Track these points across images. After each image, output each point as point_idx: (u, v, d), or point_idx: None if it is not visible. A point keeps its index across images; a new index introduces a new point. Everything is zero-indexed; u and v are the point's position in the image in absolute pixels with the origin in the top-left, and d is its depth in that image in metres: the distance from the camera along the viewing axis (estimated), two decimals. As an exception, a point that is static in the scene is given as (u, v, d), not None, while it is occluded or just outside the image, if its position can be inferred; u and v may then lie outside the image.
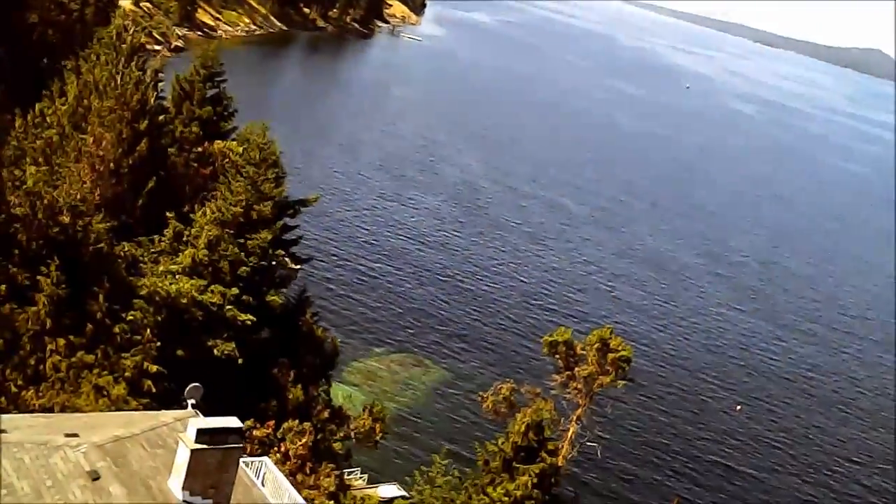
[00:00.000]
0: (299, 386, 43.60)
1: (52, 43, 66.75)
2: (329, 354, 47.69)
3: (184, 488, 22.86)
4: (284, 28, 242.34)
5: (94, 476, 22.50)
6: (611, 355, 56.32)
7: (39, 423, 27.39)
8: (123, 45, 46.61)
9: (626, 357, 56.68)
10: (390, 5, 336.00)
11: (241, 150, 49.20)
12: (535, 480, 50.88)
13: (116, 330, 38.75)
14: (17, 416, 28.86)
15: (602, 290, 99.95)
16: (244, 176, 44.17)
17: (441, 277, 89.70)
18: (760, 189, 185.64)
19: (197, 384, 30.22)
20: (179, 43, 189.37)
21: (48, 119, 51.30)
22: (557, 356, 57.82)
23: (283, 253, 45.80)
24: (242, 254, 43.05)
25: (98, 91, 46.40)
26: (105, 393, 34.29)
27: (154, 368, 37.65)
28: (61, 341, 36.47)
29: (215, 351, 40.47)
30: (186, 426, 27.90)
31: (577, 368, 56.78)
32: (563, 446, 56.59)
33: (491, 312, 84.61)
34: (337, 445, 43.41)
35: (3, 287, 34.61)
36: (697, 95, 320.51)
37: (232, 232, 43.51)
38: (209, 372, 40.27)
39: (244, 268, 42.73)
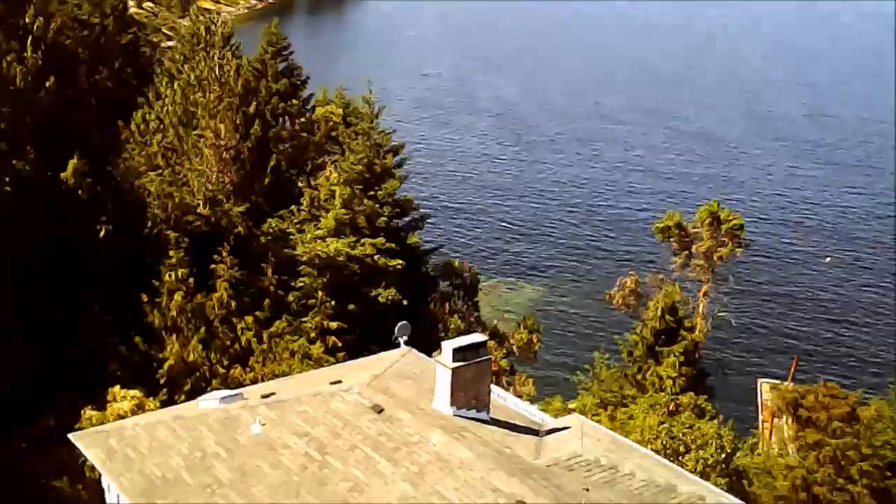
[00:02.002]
0: (456, 316, 46.18)
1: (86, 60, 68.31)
2: (471, 283, 50.15)
3: (451, 404, 25.32)
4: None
5: (379, 409, 25.04)
6: (724, 226, 58.20)
7: (290, 384, 30.11)
8: (215, 38, 48.63)
9: (739, 224, 58.57)
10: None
11: (341, 111, 51.26)
12: (681, 359, 53.24)
13: (290, 298, 41.49)
14: (258, 385, 31.65)
15: (676, 175, 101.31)
16: (359, 133, 46.36)
17: (516, 197, 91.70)
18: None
19: (405, 322, 32.70)
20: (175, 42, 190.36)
21: (151, 125, 53.62)
22: (672, 239, 59.80)
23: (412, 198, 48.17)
24: (376, 206, 45.38)
25: (201, 86, 48.56)
26: (307, 354, 36.94)
27: (334, 325, 40.35)
28: (249, 319, 39.22)
29: (379, 298, 43.04)
30: (404, 355, 30.64)
31: (693, 246, 58.80)
32: (696, 323, 58.74)
33: (582, 221, 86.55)
34: (503, 363, 45.96)
35: (192, 280, 37.17)
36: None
37: (360, 188, 45.79)
38: (377, 318, 43.01)
39: (382, 218, 45.13)
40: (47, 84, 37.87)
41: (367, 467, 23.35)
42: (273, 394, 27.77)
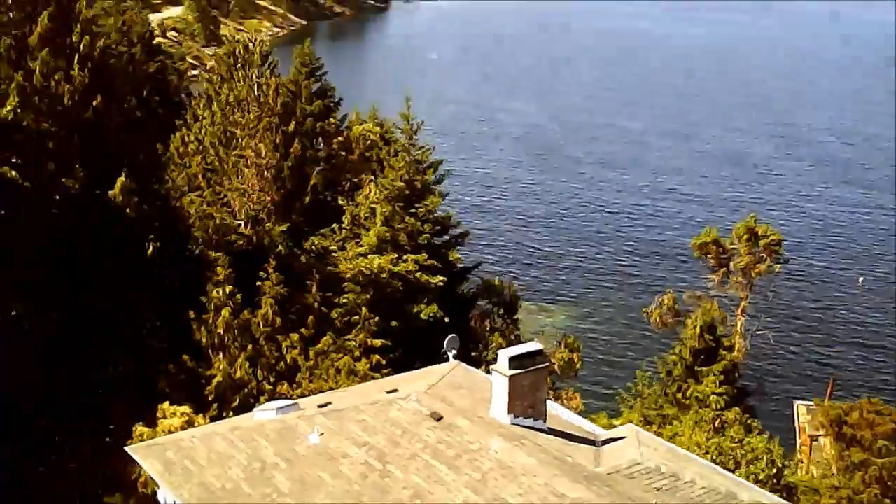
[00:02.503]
0: (496, 333, 46.14)
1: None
2: (511, 301, 50.13)
3: (508, 413, 25.25)
4: (304, 22, 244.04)
5: (438, 417, 25.02)
6: (762, 241, 58.02)
7: (344, 395, 30.11)
8: (253, 57, 49.08)
9: (777, 240, 58.41)
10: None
11: (378, 129, 51.54)
12: (721, 378, 52.81)
13: (334, 315, 41.58)
14: (312, 397, 31.69)
15: (704, 197, 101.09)
16: (398, 150, 46.64)
17: (545, 220, 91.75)
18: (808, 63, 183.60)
19: (454, 335, 32.69)
20: (213, 63, 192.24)
21: (190, 147, 54.05)
22: (709, 256, 59.67)
23: (452, 214, 48.29)
24: (417, 223, 45.52)
25: (240, 106, 48.94)
26: (353, 370, 36.96)
27: (378, 342, 40.36)
28: (294, 336, 39.31)
29: (421, 315, 43.09)
30: (454, 368, 30.61)
31: (731, 262, 58.63)
32: (735, 341, 58.42)
33: (613, 244, 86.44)
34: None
35: (239, 296, 37.33)
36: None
37: (401, 205, 45.96)
38: (419, 335, 43.06)
39: (423, 235, 45.29)
40: (94, 103, 38.27)
41: (429, 475, 23.30)
42: (329, 403, 27.82)
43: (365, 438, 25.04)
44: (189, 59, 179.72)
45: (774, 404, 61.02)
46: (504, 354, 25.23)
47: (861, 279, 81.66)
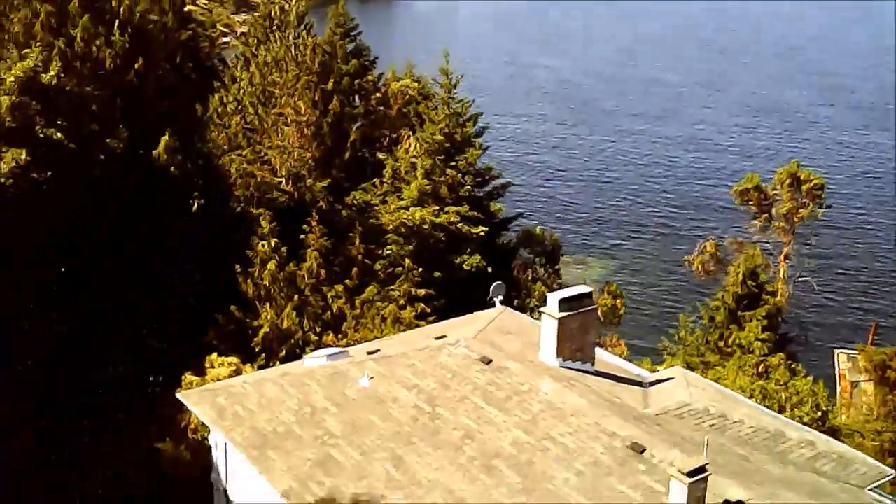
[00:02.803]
0: (539, 283, 46.30)
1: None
2: (552, 250, 50.21)
3: (557, 356, 25.47)
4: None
5: (487, 360, 25.29)
6: (804, 186, 57.44)
7: (392, 342, 30.48)
8: (290, 17, 49.22)
9: (819, 185, 57.74)
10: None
11: (416, 85, 51.59)
12: (764, 323, 52.59)
13: (377, 267, 41.93)
14: (362, 344, 32.14)
15: (742, 147, 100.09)
16: (437, 104, 46.67)
17: (578, 173, 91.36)
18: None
19: (500, 282, 32.94)
20: (244, 29, 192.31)
21: (229, 108, 54.37)
22: (750, 202, 59.15)
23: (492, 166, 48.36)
24: (458, 175, 45.63)
25: (278, 66, 49.15)
26: (398, 318, 37.32)
27: (422, 292, 40.69)
28: (339, 287, 39.71)
29: (464, 265, 43.32)
30: (501, 313, 30.85)
31: (773, 208, 58.13)
32: (778, 287, 58.10)
33: (648, 195, 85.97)
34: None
35: (284, 249, 37.74)
36: None
37: (441, 158, 46.04)
38: (462, 285, 43.30)
39: (465, 187, 45.40)
40: (136, 66, 38.64)
41: (479, 416, 23.62)
42: (378, 350, 28.19)
43: (415, 382, 25.41)
44: (220, 27, 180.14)
45: (815, 352, 60.73)
46: (553, 297, 25.43)
47: None
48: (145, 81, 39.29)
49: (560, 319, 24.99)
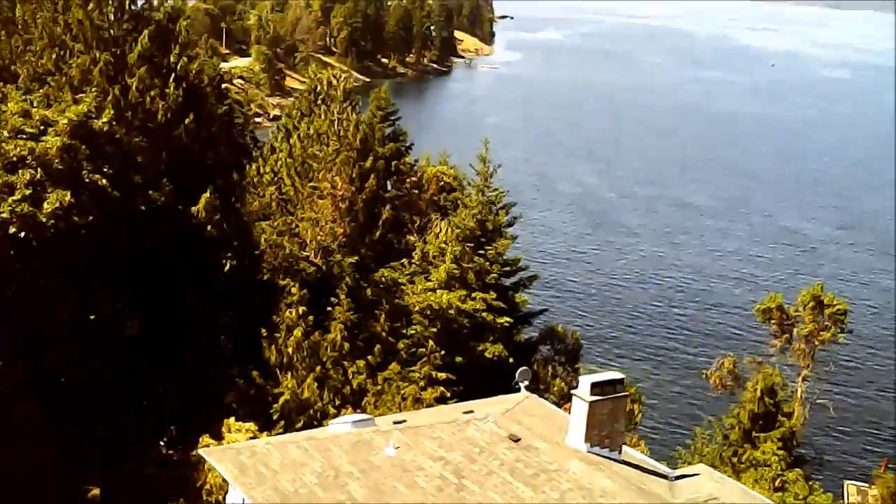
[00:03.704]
0: (558, 379, 46.05)
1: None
2: (573, 348, 50.05)
3: (585, 440, 25.19)
4: (368, 80, 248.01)
5: (515, 438, 25.04)
6: (827, 310, 57.35)
7: (418, 416, 30.24)
8: (336, 92, 50.18)
9: (842, 310, 57.64)
10: (461, 41, 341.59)
11: (452, 171, 52.15)
12: (779, 444, 51.98)
13: (401, 346, 41.83)
14: (382, 416, 31.83)
15: (763, 270, 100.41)
16: (471, 191, 47.18)
17: (601, 285, 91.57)
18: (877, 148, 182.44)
19: (525, 368, 32.77)
20: (276, 111, 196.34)
21: (265, 178, 55.10)
22: (772, 321, 59.01)
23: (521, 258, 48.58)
24: (486, 263, 45.83)
25: (319, 138, 49.93)
26: (419, 398, 37.07)
27: (443, 375, 40.50)
28: (360, 363, 39.61)
29: (486, 353, 43.19)
30: (527, 398, 30.61)
31: (795, 329, 57.95)
32: (794, 408, 57.57)
33: (673, 311, 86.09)
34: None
35: (312, 318, 37.76)
36: (785, 70, 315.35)
37: (472, 245, 46.35)
38: (483, 373, 43.08)
39: (492, 276, 45.56)
40: (186, 121, 39.30)
41: (506, 491, 23.29)
42: (405, 421, 27.95)
43: (441, 454, 25.12)
44: (254, 107, 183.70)
45: (825, 479, 59.83)
46: (585, 380, 25.27)
47: None
48: (193, 138, 39.84)
49: (591, 403, 24.76)
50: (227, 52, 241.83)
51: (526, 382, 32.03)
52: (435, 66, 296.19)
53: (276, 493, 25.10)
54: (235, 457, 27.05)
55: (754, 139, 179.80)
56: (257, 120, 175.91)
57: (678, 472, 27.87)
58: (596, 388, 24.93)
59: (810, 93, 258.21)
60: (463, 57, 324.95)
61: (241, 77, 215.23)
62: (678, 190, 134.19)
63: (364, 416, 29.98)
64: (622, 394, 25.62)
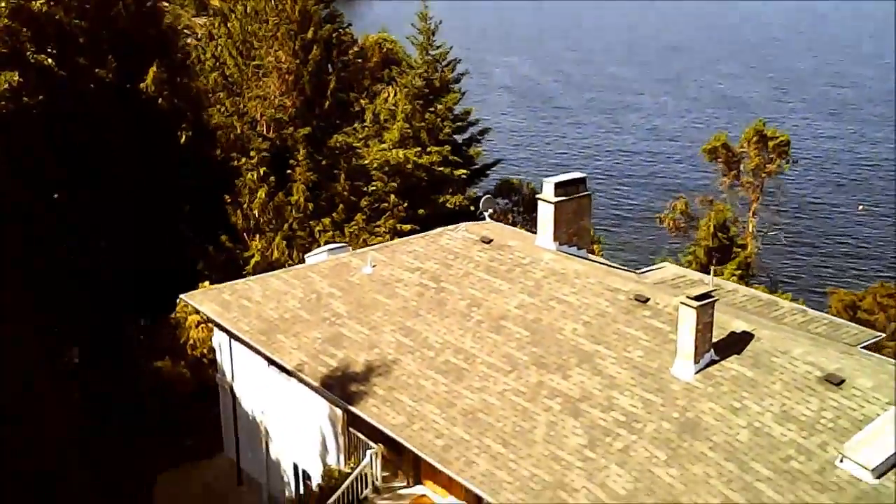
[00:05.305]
0: (518, 226, 46.99)
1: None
2: (529, 199, 50.79)
3: (554, 240, 26.14)
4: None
5: (487, 240, 26.04)
6: (771, 142, 58.74)
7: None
8: (268, -32, 49.65)
9: (785, 141, 59.07)
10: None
11: (394, 37, 52.07)
12: (738, 274, 53.74)
13: (363, 203, 42.46)
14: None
15: (701, 139, 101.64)
16: (416, 47, 47.33)
17: (545, 161, 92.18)
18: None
19: (489, 195, 33.63)
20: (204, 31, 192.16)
21: (207, 64, 54.66)
22: (719, 160, 60.36)
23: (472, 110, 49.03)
24: (438, 119, 46.31)
25: (258, 17, 49.50)
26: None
27: (407, 227, 41.23)
28: (326, 220, 40.27)
29: (447, 204, 44.00)
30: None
31: (742, 164, 59.38)
32: (748, 242, 59.29)
33: (618, 172, 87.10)
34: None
35: (273, 179, 38.27)
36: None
37: (420, 103, 46.70)
38: (446, 222, 43.89)
39: (444, 132, 46.10)
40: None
41: (483, 287, 24.34)
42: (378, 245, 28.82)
43: (417, 265, 26.08)
44: (181, 28, 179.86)
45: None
46: (549, 182, 26.12)
47: (861, 206, 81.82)
48: (130, 17, 39.62)
49: (556, 204, 25.63)
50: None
51: (490, 211, 32.85)
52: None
53: (261, 320, 25.98)
54: (217, 296, 27.87)
55: (677, 20, 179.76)
56: (188, 43, 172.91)
57: (644, 270, 29.14)
58: (559, 188, 25.80)
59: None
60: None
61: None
62: (611, 69, 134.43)
63: (339, 244, 30.80)
64: (584, 193, 26.55)
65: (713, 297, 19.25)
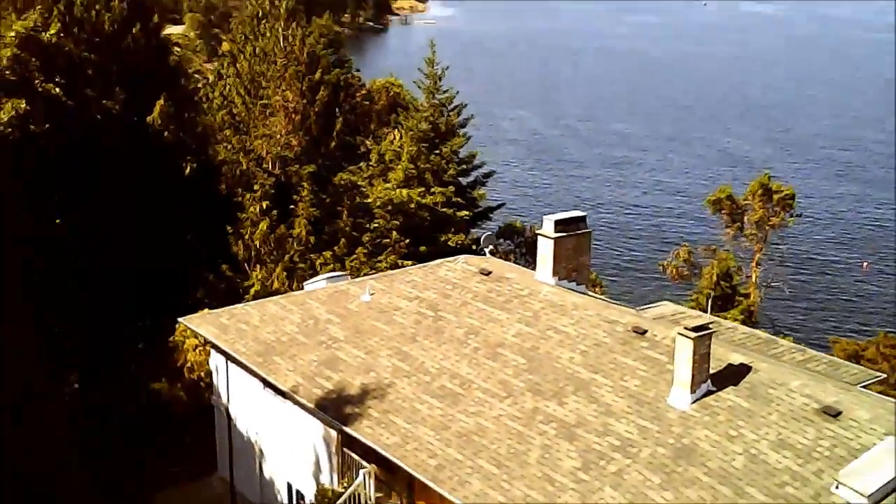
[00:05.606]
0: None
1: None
2: (532, 241, 50.86)
3: (553, 274, 26.11)
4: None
5: (486, 272, 26.06)
6: (775, 196, 59.03)
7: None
8: (280, 10, 50.24)
9: (790, 194, 59.38)
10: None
11: (401, 82, 52.55)
12: (739, 320, 53.58)
13: (365, 239, 42.56)
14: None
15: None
16: (420, 93, 47.79)
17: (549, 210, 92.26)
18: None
19: (490, 233, 33.73)
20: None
21: (215, 103, 55.21)
22: (723, 211, 60.58)
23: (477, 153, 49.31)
24: (442, 161, 46.61)
25: (266, 57, 50.04)
26: (387, 282, 37.79)
27: (409, 263, 41.23)
28: (327, 254, 40.32)
29: (449, 243, 44.07)
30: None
31: (746, 216, 59.57)
32: (751, 291, 59.30)
33: (622, 224, 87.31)
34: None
35: (275, 212, 38.42)
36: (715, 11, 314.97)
37: (426, 145, 47.04)
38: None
39: (449, 173, 46.38)
40: (133, 31, 39.49)
41: (481, 316, 24.32)
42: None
43: (416, 293, 26.07)
44: (192, 73, 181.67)
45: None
46: (549, 219, 26.18)
47: (866, 263, 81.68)
48: (141, 50, 40.04)
49: (555, 240, 25.65)
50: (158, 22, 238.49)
51: (491, 247, 33.04)
52: (371, 24, 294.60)
53: (259, 343, 25.93)
54: (215, 319, 27.87)
55: (685, 77, 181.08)
56: (198, 86, 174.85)
57: (643, 306, 29.09)
58: (559, 224, 25.86)
59: (740, 29, 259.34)
60: (398, 14, 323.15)
61: (177, 44, 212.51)
62: (617, 125, 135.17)
63: (338, 273, 30.81)
64: (584, 230, 26.57)
65: (710, 328, 19.18)
